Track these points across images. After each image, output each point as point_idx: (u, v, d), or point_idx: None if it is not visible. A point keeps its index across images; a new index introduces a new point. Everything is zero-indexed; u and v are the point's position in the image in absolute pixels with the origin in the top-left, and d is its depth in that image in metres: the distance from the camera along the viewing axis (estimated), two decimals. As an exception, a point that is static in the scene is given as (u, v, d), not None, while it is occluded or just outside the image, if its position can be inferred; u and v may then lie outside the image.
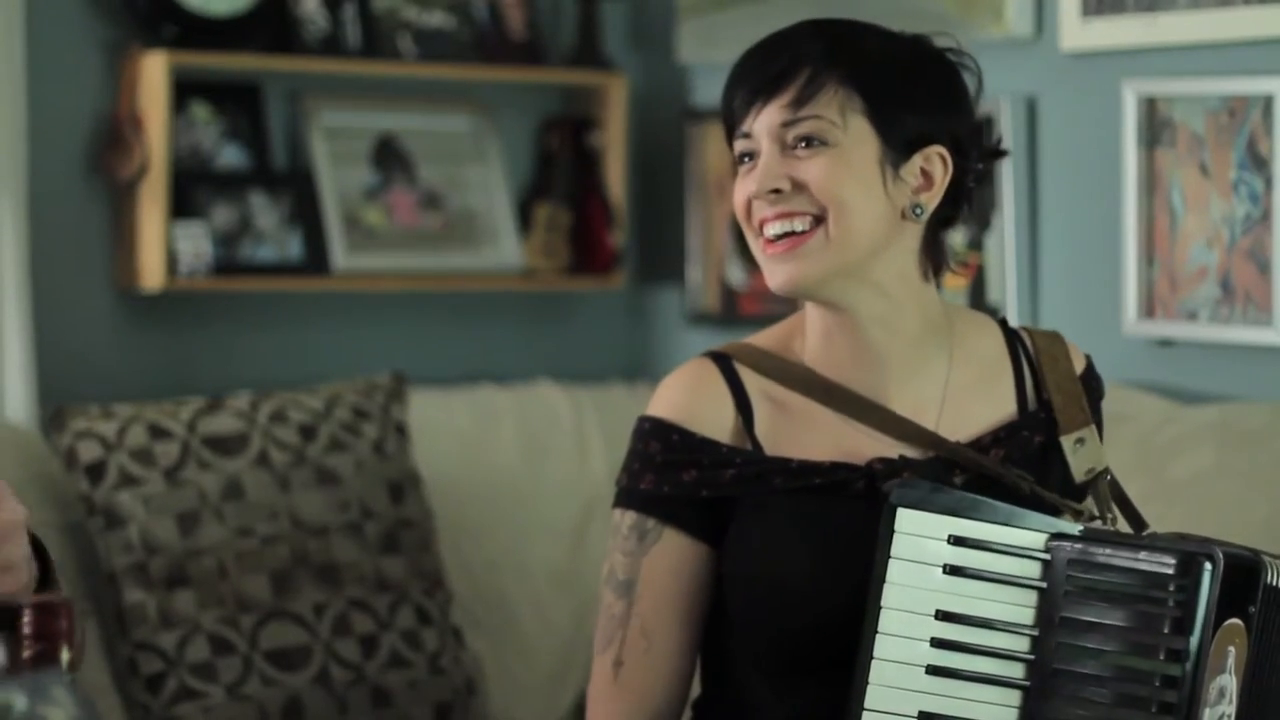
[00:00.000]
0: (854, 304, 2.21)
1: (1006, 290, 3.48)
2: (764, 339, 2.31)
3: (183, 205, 3.70)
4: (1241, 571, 2.04)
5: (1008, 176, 3.46)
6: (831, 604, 2.13)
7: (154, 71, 3.64)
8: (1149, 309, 3.30)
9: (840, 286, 2.19)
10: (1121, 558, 2.06)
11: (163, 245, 3.65)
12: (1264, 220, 3.14)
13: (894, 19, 2.37)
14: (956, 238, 3.41)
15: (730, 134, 2.26)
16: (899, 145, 2.19)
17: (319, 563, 3.38)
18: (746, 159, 2.23)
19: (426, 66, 3.97)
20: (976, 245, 3.51)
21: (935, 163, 2.21)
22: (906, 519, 2.07)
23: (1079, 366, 2.34)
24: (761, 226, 2.20)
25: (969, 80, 2.25)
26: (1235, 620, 2.03)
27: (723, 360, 2.27)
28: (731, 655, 2.24)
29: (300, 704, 3.31)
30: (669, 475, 2.23)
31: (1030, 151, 3.49)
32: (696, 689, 2.33)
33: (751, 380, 2.25)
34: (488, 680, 3.63)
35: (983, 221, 3.49)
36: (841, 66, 2.18)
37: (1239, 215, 3.18)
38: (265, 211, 3.81)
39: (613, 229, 4.12)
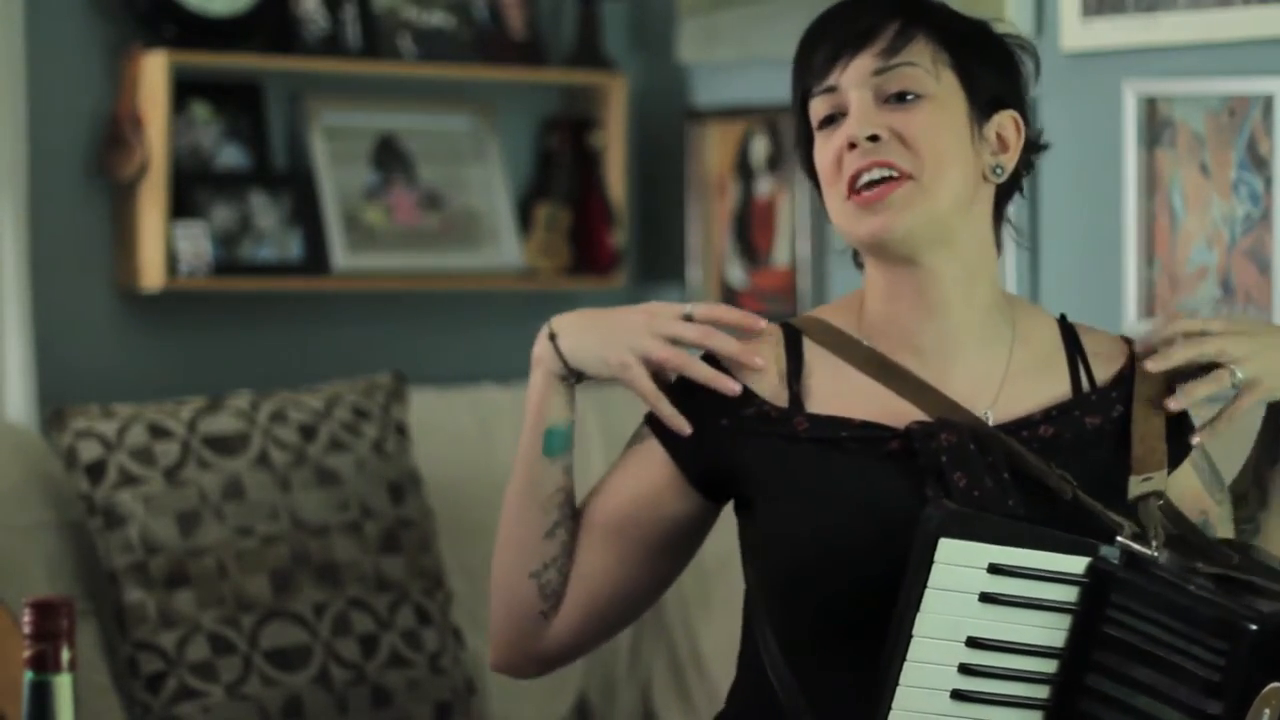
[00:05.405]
0: (935, 264, 2.16)
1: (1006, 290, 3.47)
2: (834, 311, 2.26)
3: (183, 205, 3.70)
4: None
5: (1008, 176, 3.46)
6: (865, 571, 2.06)
7: (154, 71, 3.64)
8: (1149, 309, 3.30)
9: (926, 243, 2.14)
10: (1161, 597, 1.95)
11: (163, 245, 3.64)
12: (1264, 220, 3.14)
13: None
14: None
15: (804, 99, 2.19)
16: (981, 104, 2.17)
17: (319, 562, 3.38)
18: (829, 122, 2.17)
19: (426, 66, 3.97)
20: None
21: (1009, 127, 2.20)
22: (948, 549, 1.97)
23: None
24: (853, 181, 2.13)
25: (1028, 64, 2.24)
26: (1276, 684, 1.90)
27: (788, 327, 2.23)
28: (764, 642, 2.19)
29: (300, 704, 3.31)
30: (686, 394, 2.18)
31: (1030, 151, 3.49)
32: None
33: (811, 347, 2.20)
34: (488, 680, 3.63)
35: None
36: (926, 22, 2.17)
37: (1239, 215, 3.17)
38: (265, 211, 3.81)
39: (613, 229, 4.12)
